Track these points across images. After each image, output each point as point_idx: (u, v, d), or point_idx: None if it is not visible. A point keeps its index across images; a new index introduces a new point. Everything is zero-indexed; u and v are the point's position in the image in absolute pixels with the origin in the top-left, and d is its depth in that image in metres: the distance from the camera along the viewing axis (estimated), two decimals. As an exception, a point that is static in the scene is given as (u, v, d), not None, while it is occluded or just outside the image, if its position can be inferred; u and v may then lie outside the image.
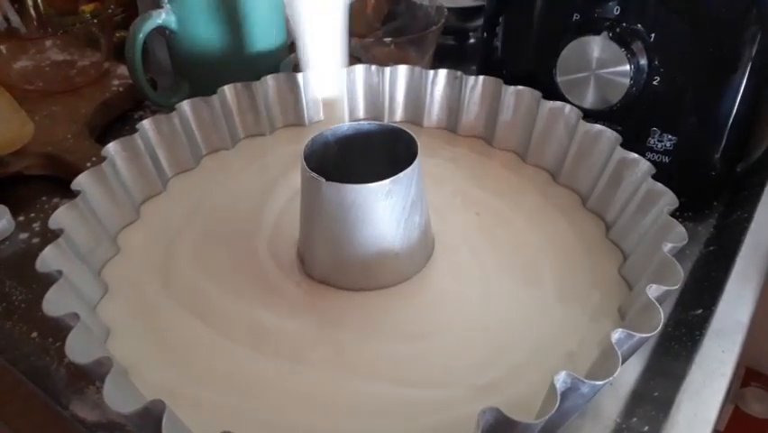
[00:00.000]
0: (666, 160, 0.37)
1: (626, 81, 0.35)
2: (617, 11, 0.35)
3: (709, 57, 0.34)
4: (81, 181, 0.32)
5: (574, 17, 0.37)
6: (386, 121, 0.43)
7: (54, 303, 0.25)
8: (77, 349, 0.24)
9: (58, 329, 0.31)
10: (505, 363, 0.27)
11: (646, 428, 0.26)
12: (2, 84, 0.46)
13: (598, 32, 0.35)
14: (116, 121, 0.49)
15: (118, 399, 0.22)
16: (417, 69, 0.41)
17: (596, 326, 0.28)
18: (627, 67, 0.35)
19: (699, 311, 0.31)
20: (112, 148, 0.35)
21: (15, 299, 0.34)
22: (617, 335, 0.23)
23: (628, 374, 0.29)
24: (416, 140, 0.30)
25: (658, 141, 0.37)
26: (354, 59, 0.47)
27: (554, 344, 0.28)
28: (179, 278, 0.32)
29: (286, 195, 0.37)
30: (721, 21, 0.34)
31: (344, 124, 0.32)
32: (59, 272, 0.27)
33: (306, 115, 0.43)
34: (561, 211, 0.35)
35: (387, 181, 0.28)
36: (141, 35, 0.42)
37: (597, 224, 0.35)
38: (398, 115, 0.43)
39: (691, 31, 0.34)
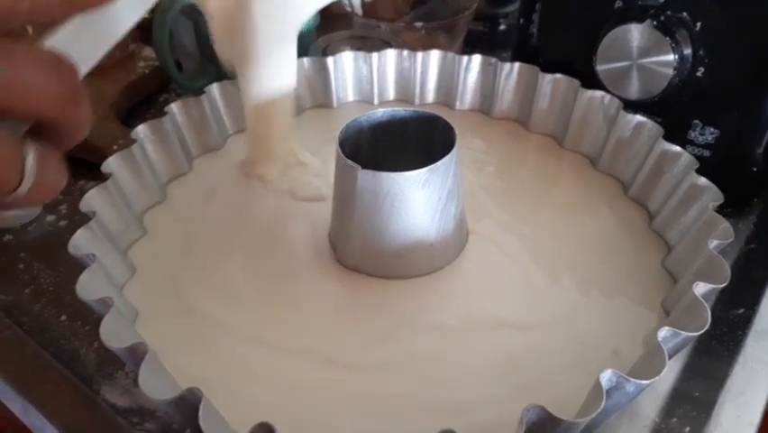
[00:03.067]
0: (707, 154, 0.36)
1: (670, 72, 0.34)
2: (661, -2, 0.34)
3: (755, 48, 0.33)
4: (111, 164, 0.32)
5: (617, 4, 0.36)
6: (416, 104, 0.42)
7: (87, 287, 0.25)
8: (112, 334, 0.23)
9: (87, 312, 0.31)
10: (543, 362, 0.26)
11: (687, 429, 0.26)
12: (28, 64, 0.46)
13: (641, 20, 0.34)
14: (141, 103, 0.49)
15: (153, 385, 0.22)
16: (450, 54, 0.40)
17: (640, 321, 0.28)
18: (671, 56, 0.33)
19: (741, 310, 0.30)
20: (141, 131, 0.34)
21: (44, 281, 0.34)
22: (663, 333, 0.23)
23: (667, 374, 0.28)
24: (454, 128, 0.30)
25: (699, 134, 0.36)
26: (384, 43, 0.46)
27: (597, 340, 0.27)
28: (206, 262, 0.32)
29: (313, 178, 0.36)
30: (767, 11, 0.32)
31: (379, 110, 0.31)
32: (93, 256, 0.26)
33: (334, 98, 0.42)
34: (602, 199, 0.35)
35: (424, 170, 0.28)
36: (169, 16, 0.42)
37: (640, 213, 0.34)
38: (430, 98, 0.42)
39: (738, 20, 0.33)
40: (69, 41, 0.19)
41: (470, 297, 0.30)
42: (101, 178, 0.31)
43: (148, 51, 0.50)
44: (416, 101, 0.42)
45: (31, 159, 0.17)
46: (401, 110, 0.32)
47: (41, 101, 0.17)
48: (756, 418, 0.26)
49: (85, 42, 0.20)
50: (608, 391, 0.21)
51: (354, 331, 0.28)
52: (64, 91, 0.17)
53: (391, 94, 0.42)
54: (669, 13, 0.34)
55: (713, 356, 0.28)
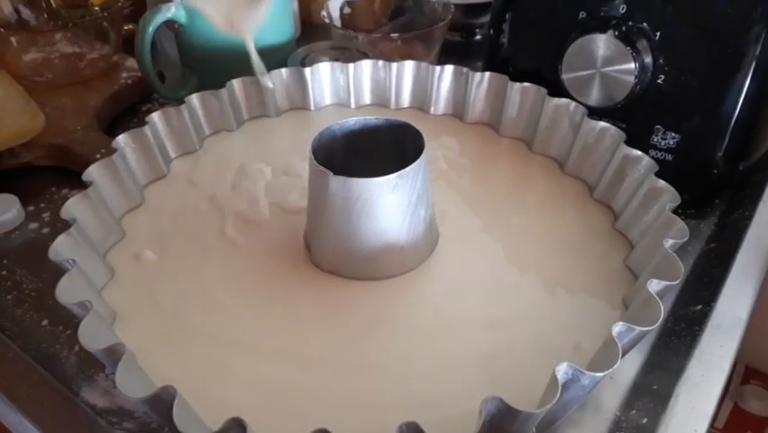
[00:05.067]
0: (669, 157, 0.37)
1: (631, 79, 0.35)
2: (622, 9, 0.36)
3: (714, 56, 0.35)
4: (92, 172, 0.33)
5: (580, 15, 0.37)
6: (392, 108, 0.43)
7: (67, 291, 0.26)
8: (90, 336, 0.24)
9: (68, 317, 0.32)
10: (511, 356, 0.28)
11: (645, 420, 0.27)
12: (12, 75, 0.47)
13: (603, 31, 0.35)
14: (124, 113, 0.50)
15: (130, 384, 0.22)
16: (424, 64, 0.42)
17: (602, 317, 0.29)
18: (633, 65, 0.35)
19: (699, 307, 0.31)
20: (122, 140, 0.35)
21: (26, 287, 0.35)
22: (617, 328, 0.24)
23: (628, 368, 0.29)
24: (423, 135, 0.31)
25: (662, 139, 0.37)
26: (361, 54, 0.47)
27: (562, 336, 0.28)
28: (183, 263, 0.32)
29: (289, 180, 0.37)
30: (726, 20, 0.34)
31: (351, 119, 0.33)
32: (72, 261, 0.27)
33: (312, 103, 0.43)
34: (569, 200, 0.36)
35: (393, 176, 0.29)
36: (151, 29, 0.43)
37: (604, 214, 0.35)
38: (405, 104, 0.44)
39: (696, 30, 0.34)
40: None
41: (440, 296, 0.31)
42: (83, 186, 0.32)
43: (131, 62, 0.51)
44: (392, 106, 0.43)
45: None
46: (373, 118, 0.33)
47: None
48: (710, 408, 0.27)
49: None
50: (564, 385, 0.22)
51: (329, 331, 0.29)
52: None
53: (367, 100, 0.44)
54: (630, 23, 0.35)
55: (671, 351, 0.30)
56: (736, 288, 0.32)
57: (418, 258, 0.32)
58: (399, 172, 0.29)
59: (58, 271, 0.27)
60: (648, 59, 0.35)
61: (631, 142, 0.34)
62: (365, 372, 0.27)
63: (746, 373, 0.84)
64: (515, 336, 0.29)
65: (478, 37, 0.59)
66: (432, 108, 0.43)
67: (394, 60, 0.42)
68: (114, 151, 0.34)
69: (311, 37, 0.58)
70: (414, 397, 0.26)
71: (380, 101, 0.44)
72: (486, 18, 0.57)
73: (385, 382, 0.27)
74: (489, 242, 0.34)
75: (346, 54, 0.48)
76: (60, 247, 0.28)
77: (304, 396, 0.26)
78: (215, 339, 0.29)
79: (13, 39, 0.50)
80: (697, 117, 0.36)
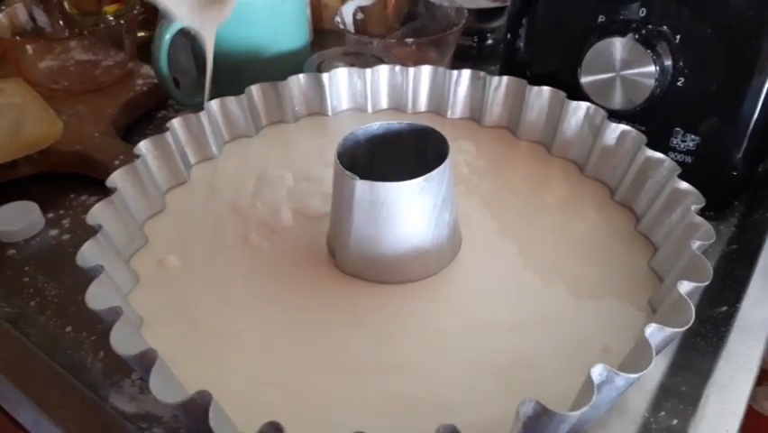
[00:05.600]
0: (689, 159, 0.37)
1: (651, 82, 0.35)
2: (642, 13, 0.36)
3: (733, 58, 0.35)
4: (115, 178, 0.33)
5: (599, 19, 0.37)
6: (409, 112, 0.43)
7: (96, 297, 0.26)
8: (122, 342, 0.24)
9: (91, 323, 0.32)
10: (537, 360, 0.27)
11: (675, 421, 0.27)
12: (28, 83, 0.47)
13: (623, 34, 0.35)
14: (140, 119, 0.50)
15: (164, 390, 0.23)
16: (441, 69, 0.42)
17: (628, 319, 0.29)
18: (653, 68, 0.35)
19: (724, 308, 0.31)
20: (144, 146, 0.36)
21: (48, 294, 0.35)
22: (650, 329, 0.24)
23: (655, 370, 0.29)
24: (447, 139, 0.31)
25: (681, 141, 0.37)
26: (376, 58, 0.47)
27: (588, 338, 0.28)
28: (207, 269, 0.33)
29: (310, 185, 0.37)
30: (744, 22, 0.34)
31: (375, 124, 0.33)
32: (100, 267, 0.27)
33: (329, 108, 0.43)
34: (590, 203, 0.36)
35: (419, 179, 0.29)
36: (168, 36, 0.43)
37: (626, 216, 0.35)
38: (422, 108, 0.44)
39: (715, 32, 0.35)
40: None
41: (464, 300, 0.31)
42: (102, 193, 0.32)
43: (146, 69, 0.52)
44: (409, 110, 0.43)
45: None
46: (396, 123, 0.33)
47: None
48: (740, 409, 0.27)
49: None
50: (598, 386, 0.22)
51: (354, 336, 0.29)
52: None
53: (384, 104, 0.44)
54: (650, 26, 0.36)
55: (698, 352, 0.30)
56: (760, 289, 0.32)
57: (442, 262, 0.32)
58: (426, 176, 0.29)
59: (79, 278, 0.27)
60: (668, 62, 0.36)
61: (650, 145, 0.34)
62: (391, 376, 0.27)
63: (761, 374, 0.84)
64: (540, 341, 0.29)
65: (490, 41, 0.59)
66: (449, 112, 0.43)
67: (407, 65, 0.42)
68: (135, 157, 0.34)
69: (322, 43, 0.59)
70: (438, 402, 0.26)
71: (397, 105, 0.44)
72: (497, 23, 0.57)
73: (410, 386, 0.27)
74: (511, 245, 0.34)
75: (361, 59, 0.48)
76: (87, 253, 0.28)
77: (329, 398, 0.26)
78: (242, 344, 0.29)
79: (28, 47, 0.50)
80: (716, 119, 0.36)
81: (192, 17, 0.38)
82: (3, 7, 0.51)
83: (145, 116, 0.50)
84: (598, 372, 0.22)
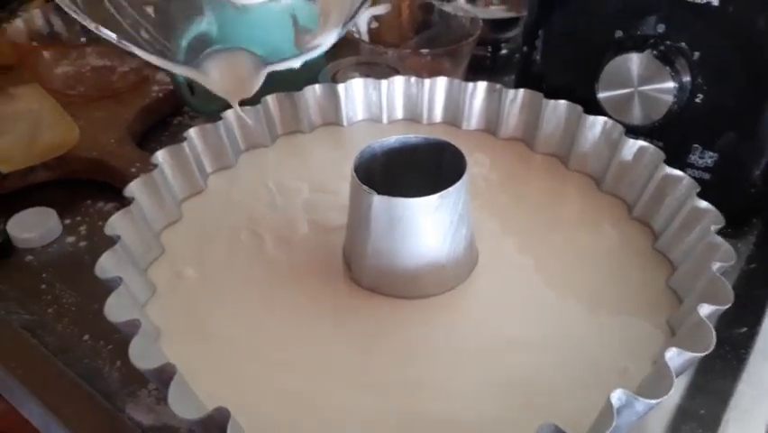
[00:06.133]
0: (707, 176, 0.37)
1: (670, 98, 0.35)
2: (660, 29, 0.36)
3: (752, 75, 0.35)
4: (133, 188, 0.33)
5: (617, 33, 0.37)
6: (424, 123, 0.43)
7: (115, 309, 0.26)
8: (140, 355, 0.24)
9: (108, 332, 0.32)
10: (555, 379, 0.27)
11: (693, 444, 0.27)
12: (44, 89, 0.48)
13: (641, 50, 0.35)
14: (155, 126, 0.50)
15: (182, 405, 0.23)
16: (456, 81, 0.42)
17: (647, 339, 0.28)
18: (671, 84, 0.35)
19: (744, 330, 0.31)
20: (161, 156, 0.36)
21: (66, 301, 0.35)
22: (669, 353, 0.24)
23: (673, 391, 0.29)
24: (464, 155, 0.31)
25: (699, 157, 0.37)
26: (391, 68, 0.47)
27: (606, 358, 0.28)
28: (224, 281, 0.32)
29: (326, 197, 0.37)
30: (764, 39, 0.34)
31: (392, 138, 0.33)
32: (119, 279, 0.27)
33: (344, 118, 0.43)
34: (607, 218, 0.36)
35: (435, 196, 0.29)
36: (184, 43, 0.43)
37: (644, 233, 0.35)
38: (437, 119, 0.44)
39: (735, 49, 0.34)
40: None
41: (480, 316, 0.31)
42: (118, 199, 0.32)
43: (161, 76, 0.52)
44: (424, 121, 0.43)
45: None
46: (412, 137, 0.33)
47: None
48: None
49: None
50: (618, 410, 0.22)
51: (371, 351, 0.29)
52: None
53: (399, 115, 0.44)
54: (668, 42, 0.35)
55: (717, 374, 0.29)
56: (780, 310, 0.32)
57: (458, 277, 0.32)
58: (442, 193, 0.29)
59: (97, 285, 0.27)
60: (687, 79, 0.35)
61: (668, 161, 0.34)
62: (406, 392, 0.27)
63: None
64: (556, 358, 0.28)
65: (504, 51, 0.59)
66: (464, 124, 0.43)
67: (423, 76, 0.42)
68: (151, 165, 0.35)
69: (335, 52, 0.59)
70: (454, 420, 0.26)
71: (412, 116, 0.44)
72: (512, 33, 0.57)
73: (426, 403, 0.27)
74: (527, 261, 0.33)
75: (375, 69, 0.48)
76: (106, 264, 0.28)
77: (345, 415, 0.26)
78: (259, 357, 0.29)
79: (45, 52, 0.50)
80: (735, 136, 0.36)
81: (223, 86, 0.37)
82: (20, 13, 0.52)
83: (161, 123, 0.50)
84: (617, 396, 0.22)
